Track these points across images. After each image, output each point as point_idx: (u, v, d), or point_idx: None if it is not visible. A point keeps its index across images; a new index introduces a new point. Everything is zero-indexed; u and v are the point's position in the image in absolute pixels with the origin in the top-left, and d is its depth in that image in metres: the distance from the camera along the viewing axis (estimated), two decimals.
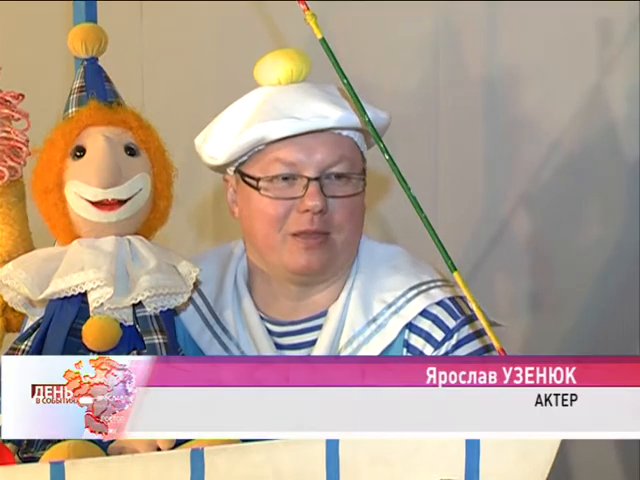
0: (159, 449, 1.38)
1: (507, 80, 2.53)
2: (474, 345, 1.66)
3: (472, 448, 1.23)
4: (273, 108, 1.62)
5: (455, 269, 1.34)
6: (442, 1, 2.55)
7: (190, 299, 1.62)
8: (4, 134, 1.64)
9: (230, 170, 1.70)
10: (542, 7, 2.48)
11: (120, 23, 2.33)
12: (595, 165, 2.50)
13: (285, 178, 1.63)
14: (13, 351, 1.53)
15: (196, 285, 1.64)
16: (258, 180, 1.64)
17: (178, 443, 1.41)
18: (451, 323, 1.66)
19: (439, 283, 1.69)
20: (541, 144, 2.51)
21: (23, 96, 1.68)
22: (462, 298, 1.68)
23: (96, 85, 1.64)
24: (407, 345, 1.66)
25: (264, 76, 1.68)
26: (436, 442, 1.24)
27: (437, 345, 1.65)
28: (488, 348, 1.67)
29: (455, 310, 1.67)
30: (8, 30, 2.83)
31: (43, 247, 1.63)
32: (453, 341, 1.65)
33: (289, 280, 1.68)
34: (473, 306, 1.33)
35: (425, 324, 1.66)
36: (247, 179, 1.66)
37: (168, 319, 1.56)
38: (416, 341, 1.66)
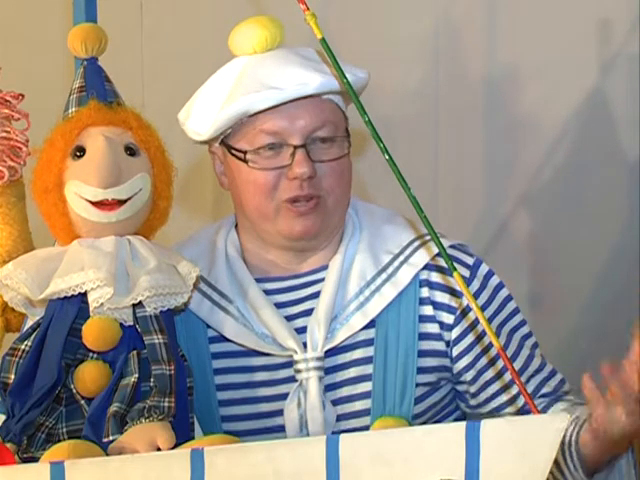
0: (159, 449, 1.38)
1: (507, 80, 2.53)
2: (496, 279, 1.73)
3: (472, 448, 1.22)
4: (253, 80, 1.64)
5: (455, 269, 1.34)
6: (442, 0, 2.55)
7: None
8: (4, 134, 1.64)
9: (216, 142, 1.71)
10: (542, 7, 2.48)
11: (120, 23, 2.33)
12: (595, 165, 2.50)
13: (271, 147, 1.65)
14: (13, 351, 1.53)
15: (196, 285, 1.65)
16: (245, 153, 1.66)
17: (178, 443, 1.41)
18: (469, 260, 1.72)
19: (440, 234, 1.71)
20: (541, 144, 2.51)
21: (23, 96, 1.68)
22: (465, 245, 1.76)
23: (96, 85, 1.64)
24: (432, 303, 1.68)
25: (239, 46, 1.69)
26: (436, 442, 1.24)
27: (465, 280, 1.67)
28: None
29: (467, 249, 1.74)
30: (8, 30, 2.82)
31: (43, 247, 1.63)
32: (480, 274, 1.71)
33: (285, 247, 1.70)
34: (473, 306, 1.33)
35: (443, 279, 1.69)
36: (234, 152, 1.67)
37: (168, 319, 1.56)
38: (442, 297, 1.69)
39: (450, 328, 1.68)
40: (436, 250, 1.68)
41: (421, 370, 1.67)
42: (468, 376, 1.69)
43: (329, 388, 1.66)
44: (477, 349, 1.68)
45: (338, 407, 1.65)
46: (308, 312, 1.68)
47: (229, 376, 1.70)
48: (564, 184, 2.52)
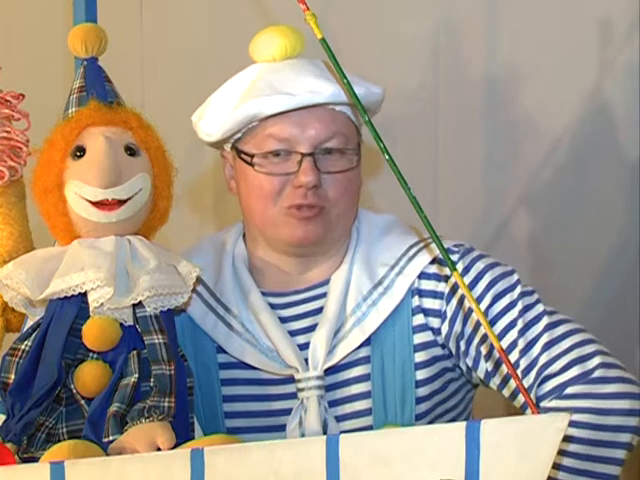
0: (159, 449, 1.38)
1: (507, 80, 2.53)
2: (486, 261, 1.69)
3: (472, 448, 1.22)
4: (266, 85, 1.64)
5: (455, 269, 1.34)
6: (442, 0, 2.55)
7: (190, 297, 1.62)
8: (4, 134, 1.64)
9: (227, 146, 1.72)
10: (542, 7, 2.48)
11: (120, 23, 2.33)
12: (595, 165, 2.50)
13: (279, 154, 1.64)
14: (13, 351, 1.53)
15: (196, 285, 1.64)
16: (252, 156, 1.65)
17: (178, 443, 1.41)
18: (454, 256, 1.68)
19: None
20: (541, 144, 2.51)
21: (23, 96, 1.68)
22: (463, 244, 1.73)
23: (96, 85, 1.64)
24: (422, 310, 1.68)
25: (259, 53, 1.70)
26: (436, 442, 1.24)
27: (447, 279, 1.67)
28: (499, 262, 1.70)
29: (454, 248, 1.70)
30: (8, 30, 2.83)
31: (43, 247, 1.63)
32: (460, 266, 1.67)
33: (288, 253, 1.70)
34: (473, 306, 1.33)
35: (430, 284, 1.68)
36: (242, 155, 1.67)
37: (168, 319, 1.56)
38: (430, 303, 1.68)
39: (440, 331, 1.68)
40: (429, 258, 1.68)
41: (421, 383, 1.67)
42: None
43: (332, 404, 1.65)
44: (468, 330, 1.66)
45: (341, 424, 1.65)
46: (310, 328, 1.68)
47: (236, 388, 1.69)
48: (564, 184, 2.52)
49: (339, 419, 1.65)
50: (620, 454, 1.56)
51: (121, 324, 1.52)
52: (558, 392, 1.57)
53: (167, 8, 2.74)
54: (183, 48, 2.71)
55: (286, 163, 1.64)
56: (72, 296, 1.51)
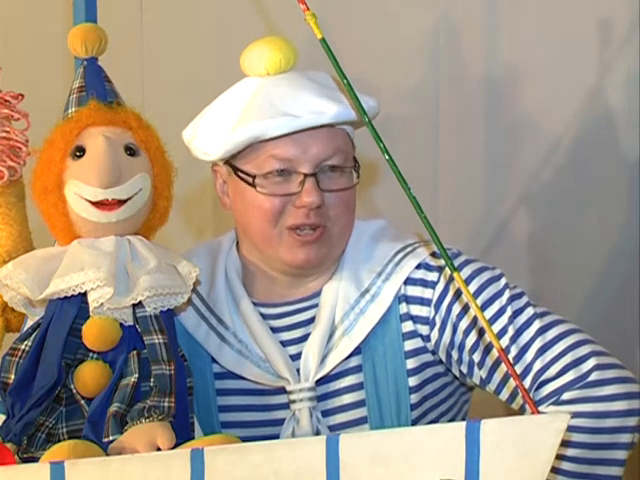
0: (159, 449, 1.38)
1: (507, 80, 2.53)
2: (472, 266, 1.67)
3: (472, 448, 1.22)
4: (267, 104, 1.62)
5: (455, 269, 1.34)
6: (442, 0, 2.55)
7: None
8: (4, 134, 1.65)
9: (220, 162, 1.70)
10: (542, 7, 2.48)
11: (120, 23, 2.33)
12: (595, 165, 2.50)
13: (280, 174, 1.63)
14: (13, 351, 1.53)
15: (196, 285, 1.64)
16: (254, 177, 1.63)
17: (178, 443, 1.41)
18: (441, 261, 1.66)
19: (423, 243, 1.70)
20: (541, 144, 2.51)
21: (23, 96, 1.68)
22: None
23: (96, 85, 1.64)
24: (411, 317, 1.67)
25: (251, 67, 1.66)
26: (436, 442, 1.24)
27: (433, 285, 1.65)
28: (487, 267, 1.68)
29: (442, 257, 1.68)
30: (8, 30, 2.83)
31: (43, 247, 1.63)
32: (448, 271, 1.64)
33: (285, 272, 1.70)
34: (473, 306, 1.33)
35: (416, 290, 1.67)
36: (241, 175, 1.66)
37: (168, 319, 1.56)
38: (420, 310, 1.67)
39: (429, 339, 1.67)
40: (416, 261, 1.67)
41: (413, 389, 1.66)
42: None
43: (325, 414, 1.65)
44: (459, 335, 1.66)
45: (335, 433, 1.64)
46: (302, 339, 1.68)
47: (230, 398, 1.70)
48: (564, 184, 2.52)
49: (332, 429, 1.65)
50: (621, 455, 1.56)
51: (121, 324, 1.52)
52: (555, 397, 1.57)
53: (167, 8, 2.74)
54: (183, 49, 2.71)
55: (287, 183, 1.63)
56: (72, 296, 1.51)
